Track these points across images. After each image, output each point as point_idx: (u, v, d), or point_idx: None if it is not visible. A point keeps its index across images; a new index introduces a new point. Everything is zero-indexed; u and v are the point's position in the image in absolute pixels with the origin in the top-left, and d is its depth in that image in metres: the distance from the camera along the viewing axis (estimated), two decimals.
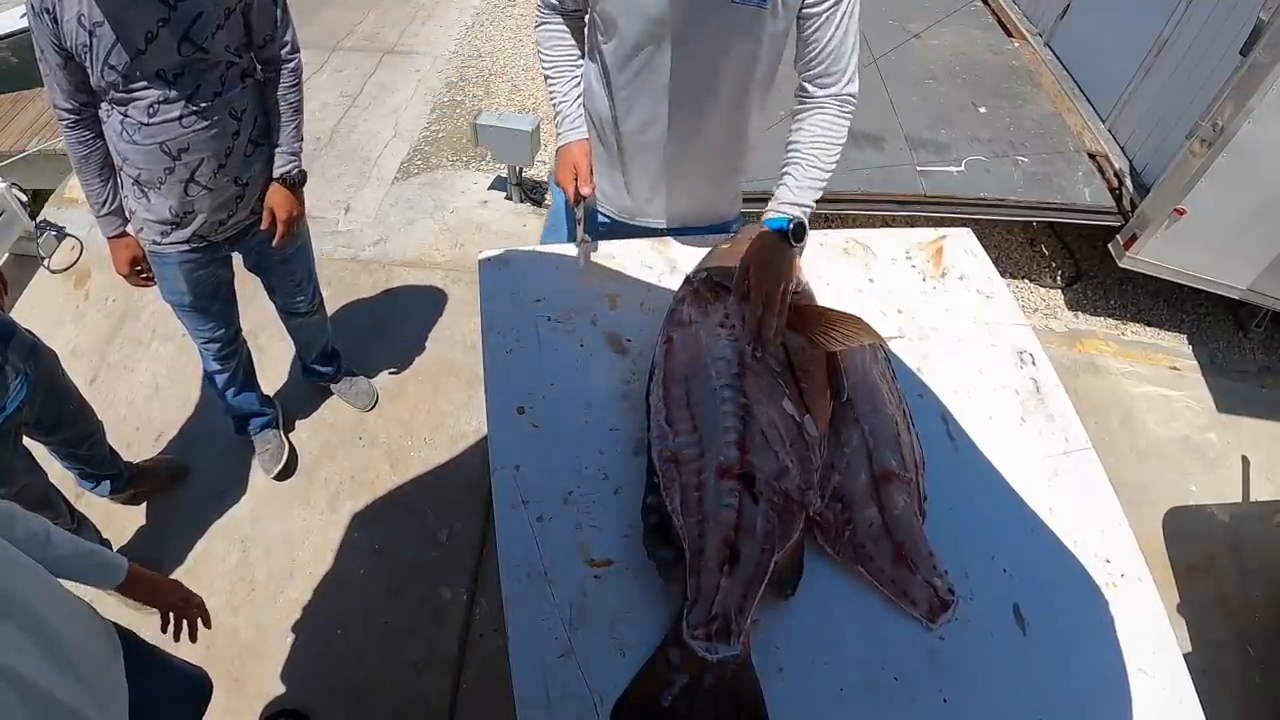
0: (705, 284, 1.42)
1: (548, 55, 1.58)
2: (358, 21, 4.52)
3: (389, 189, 3.48)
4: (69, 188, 3.35)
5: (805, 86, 1.45)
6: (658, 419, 1.22)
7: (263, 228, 1.88)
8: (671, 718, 1.01)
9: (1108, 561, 1.23)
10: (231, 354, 2.16)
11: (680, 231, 1.70)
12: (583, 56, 1.57)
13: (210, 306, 1.99)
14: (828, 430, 1.27)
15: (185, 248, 1.81)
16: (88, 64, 1.49)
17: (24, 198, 2.96)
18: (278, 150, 1.83)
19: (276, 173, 1.83)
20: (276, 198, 1.85)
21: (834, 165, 1.45)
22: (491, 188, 3.49)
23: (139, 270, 1.86)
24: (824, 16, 1.37)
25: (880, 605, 1.14)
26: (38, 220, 3.07)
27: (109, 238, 1.80)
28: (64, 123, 1.63)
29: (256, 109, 1.74)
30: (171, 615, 1.32)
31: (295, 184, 1.87)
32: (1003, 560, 1.21)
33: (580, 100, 1.58)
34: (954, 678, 1.08)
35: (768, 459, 1.17)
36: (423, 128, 3.82)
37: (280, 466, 2.41)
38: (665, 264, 1.60)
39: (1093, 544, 1.24)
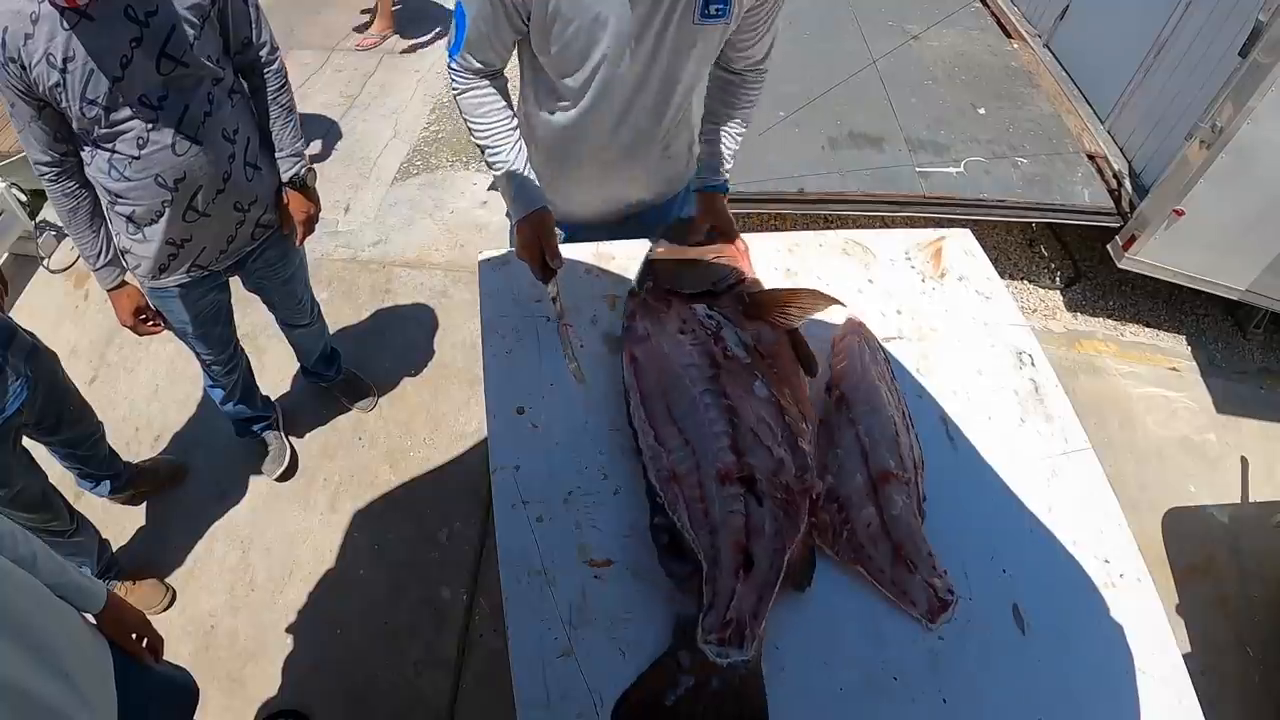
0: (652, 293, 1.40)
1: (482, 124, 1.43)
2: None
3: (389, 189, 3.49)
4: None
5: (733, 59, 1.48)
6: (647, 440, 1.20)
7: (284, 233, 1.88)
8: (674, 718, 1.01)
9: (1107, 562, 1.23)
10: (232, 369, 2.16)
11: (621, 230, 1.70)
12: (515, 117, 1.47)
13: (212, 331, 1.98)
14: (810, 408, 1.29)
15: (185, 279, 1.77)
16: (64, 104, 1.41)
17: (23, 197, 2.95)
18: (280, 155, 1.78)
19: (285, 177, 1.80)
20: (291, 202, 1.83)
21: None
22: (491, 188, 3.49)
23: (144, 319, 1.82)
24: (764, 17, 1.38)
25: (880, 605, 1.14)
26: (37, 220, 3.06)
27: (109, 290, 1.75)
28: (45, 177, 1.55)
29: (250, 129, 1.69)
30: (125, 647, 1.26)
31: (305, 185, 1.84)
32: (1002, 560, 1.21)
33: (528, 161, 1.45)
34: (953, 678, 1.09)
35: (763, 456, 1.17)
36: (422, 128, 3.82)
37: (282, 469, 2.42)
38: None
39: (1092, 544, 1.25)
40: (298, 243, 1.93)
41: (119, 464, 2.19)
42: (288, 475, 2.44)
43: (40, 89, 1.39)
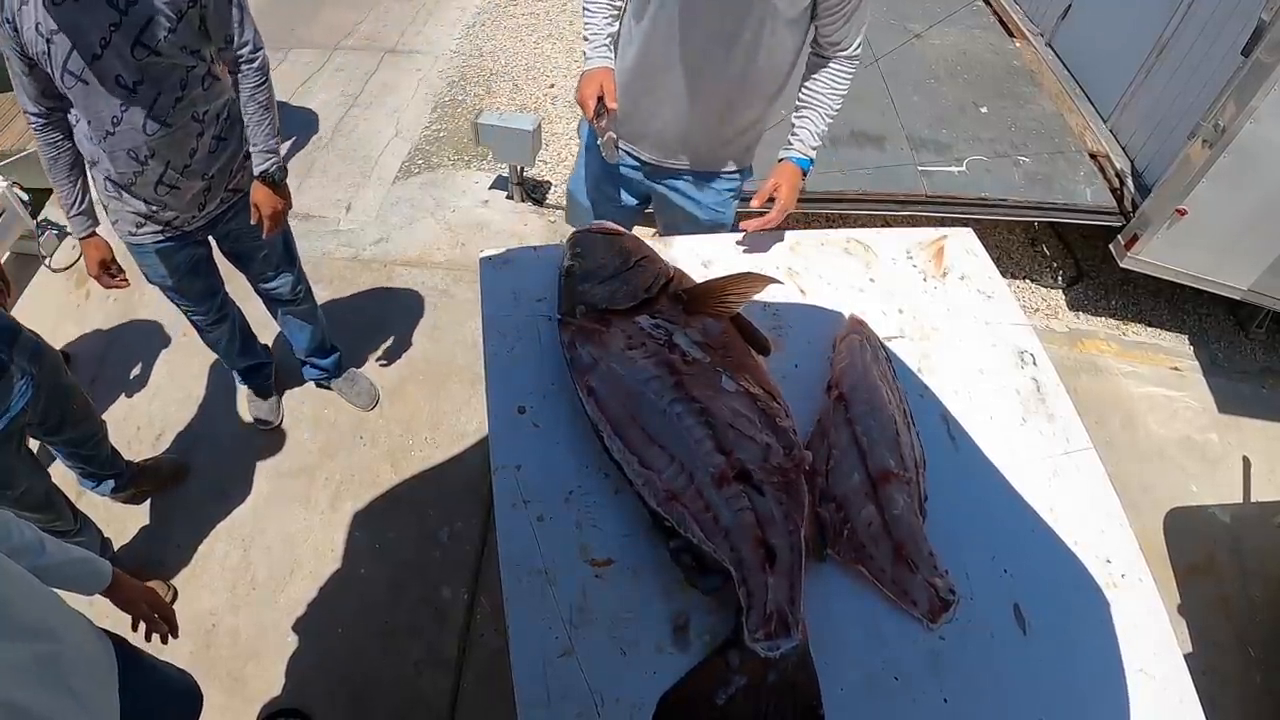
0: (586, 317, 1.35)
1: None
2: (359, 21, 4.52)
3: (390, 188, 3.49)
4: None
5: (822, 45, 1.67)
6: (632, 467, 1.17)
7: (252, 222, 1.92)
8: (724, 716, 1.01)
9: (1108, 562, 1.23)
10: (222, 319, 2.24)
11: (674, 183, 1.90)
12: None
13: (193, 284, 2.06)
14: (774, 384, 1.29)
15: (160, 237, 1.88)
16: (49, 70, 1.53)
17: (25, 197, 2.95)
18: (254, 149, 1.83)
19: (256, 171, 1.85)
20: (259, 195, 1.88)
21: (838, 113, 1.73)
22: (493, 187, 3.49)
23: (110, 272, 1.89)
24: (841, 6, 1.58)
25: (881, 605, 1.14)
26: (38, 219, 3.07)
27: (79, 239, 1.84)
28: (33, 126, 1.68)
29: (220, 108, 1.77)
30: (142, 623, 1.33)
31: (275, 181, 1.88)
32: (1003, 560, 1.21)
33: (611, 37, 1.68)
34: (955, 678, 1.08)
35: (748, 447, 1.17)
36: (424, 127, 3.82)
37: (277, 421, 2.54)
38: (667, 260, 1.59)
39: (1093, 544, 1.24)
40: (264, 235, 1.95)
41: (121, 463, 2.19)
42: (276, 425, 2.56)
43: (30, 52, 1.51)
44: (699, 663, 1.06)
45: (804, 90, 1.72)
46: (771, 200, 1.65)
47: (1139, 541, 1.27)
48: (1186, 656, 1.16)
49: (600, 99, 1.65)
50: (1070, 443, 1.38)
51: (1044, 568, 1.21)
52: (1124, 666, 1.12)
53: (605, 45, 1.69)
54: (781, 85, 1.73)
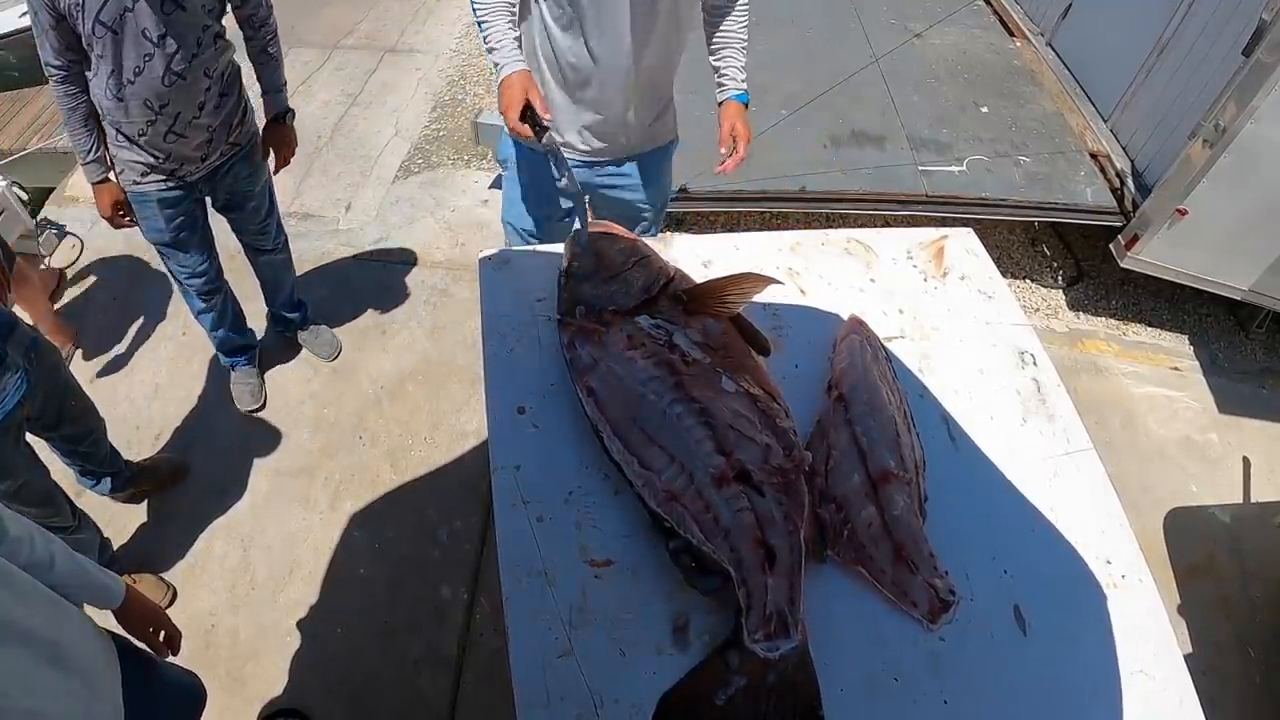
0: (586, 317, 1.34)
1: (485, 4, 1.67)
2: (359, 20, 4.52)
3: (390, 188, 3.49)
4: (69, 186, 3.36)
5: None
6: (632, 468, 1.17)
7: (265, 160, 2.17)
8: (723, 717, 1.01)
9: (1108, 562, 1.23)
10: (215, 290, 2.31)
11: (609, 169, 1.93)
12: (514, 7, 1.70)
13: (189, 240, 2.16)
14: (774, 385, 1.29)
15: (163, 187, 1.99)
16: (79, 23, 1.64)
17: (24, 196, 2.96)
18: (269, 94, 2.12)
19: (274, 112, 2.13)
20: (279, 135, 2.16)
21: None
22: (492, 186, 3.49)
23: (121, 213, 2.03)
24: None
25: (881, 606, 1.14)
26: (38, 219, 3.07)
27: (93, 183, 1.97)
28: (53, 78, 1.79)
29: (224, 66, 1.93)
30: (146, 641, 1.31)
31: (287, 122, 2.17)
32: (1003, 561, 1.20)
33: (516, 40, 1.68)
34: (954, 679, 1.08)
35: (748, 448, 1.17)
36: (423, 126, 3.82)
37: (260, 405, 2.58)
38: (667, 260, 1.59)
39: (1093, 544, 1.24)
40: (274, 172, 2.21)
41: (120, 462, 2.19)
42: (259, 409, 2.60)
43: (61, 4, 1.63)
44: (699, 663, 1.06)
45: (716, 35, 1.84)
46: (735, 144, 1.79)
47: (1139, 541, 1.27)
48: (1186, 656, 1.16)
49: (528, 106, 1.61)
50: (1070, 443, 1.38)
51: (1044, 568, 1.21)
52: (1124, 667, 1.12)
53: (516, 49, 1.67)
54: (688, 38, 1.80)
